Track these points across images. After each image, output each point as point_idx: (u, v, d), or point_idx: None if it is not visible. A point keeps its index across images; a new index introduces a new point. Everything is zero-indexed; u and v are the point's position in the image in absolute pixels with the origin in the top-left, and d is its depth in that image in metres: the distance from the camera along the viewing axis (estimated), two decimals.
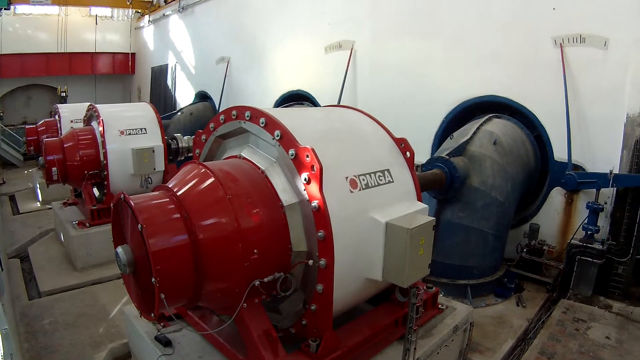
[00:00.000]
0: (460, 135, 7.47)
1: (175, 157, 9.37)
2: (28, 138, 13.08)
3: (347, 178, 3.49)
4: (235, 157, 3.83)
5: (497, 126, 7.74)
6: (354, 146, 3.87)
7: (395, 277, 3.60)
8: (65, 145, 8.18)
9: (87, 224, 8.14)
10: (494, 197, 6.73)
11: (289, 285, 3.46)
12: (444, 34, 9.30)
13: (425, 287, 4.56)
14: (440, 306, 4.71)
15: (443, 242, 6.71)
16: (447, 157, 6.51)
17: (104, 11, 22.80)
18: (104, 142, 8.00)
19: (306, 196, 3.29)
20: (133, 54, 24.57)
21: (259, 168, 3.57)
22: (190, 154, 9.68)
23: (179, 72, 19.51)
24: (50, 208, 10.71)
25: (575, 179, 7.07)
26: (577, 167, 7.45)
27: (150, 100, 21.99)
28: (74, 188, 9.22)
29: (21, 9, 20.39)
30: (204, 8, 17.35)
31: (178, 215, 3.13)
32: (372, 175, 3.69)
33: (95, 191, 8.69)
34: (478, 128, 7.46)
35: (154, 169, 8.23)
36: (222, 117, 3.98)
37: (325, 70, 11.92)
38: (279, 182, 3.49)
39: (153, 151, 8.14)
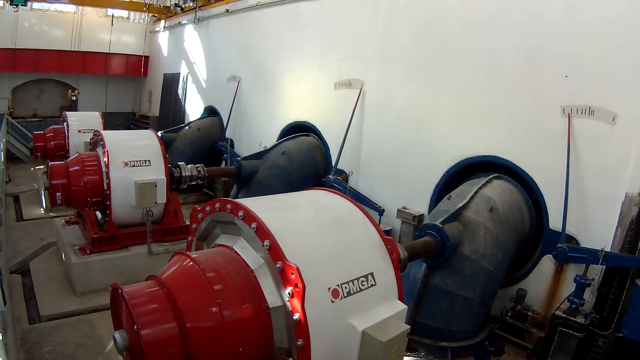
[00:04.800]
0: (458, 197, 7.57)
1: (178, 185, 9.51)
2: (35, 144, 13.28)
3: (329, 289, 3.65)
4: (228, 247, 4.00)
5: (496, 190, 7.81)
6: (341, 250, 4.01)
7: None
8: (70, 170, 8.38)
9: (87, 251, 8.33)
10: (483, 266, 6.83)
11: None
12: (452, 86, 9.29)
13: None
14: None
15: (428, 305, 6.85)
16: (441, 226, 6.61)
17: (120, 12, 22.80)
18: (108, 173, 8.18)
19: (289, 306, 3.47)
20: (146, 57, 24.60)
21: (249, 266, 3.74)
22: (193, 183, 9.84)
23: (190, 83, 19.48)
24: (54, 217, 10.98)
25: (566, 253, 7.06)
26: (571, 238, 7.48)
27: (160, 106, 22.15)
28: None
29: (38, 4, 20.48)
30: (218, 23, 17.33)
31: (170, 311, 3.35)
32: (355, 281, 3.84)
33: (99, 214, 8.90)
34: (476, 192, 7.53)
35: (156, 202, 8.38)
36: (217, 205, 4.14)
37: (333, 106, 11.94)
38: (266, 284, 3.64)
39: (155, 185, 8.28)
